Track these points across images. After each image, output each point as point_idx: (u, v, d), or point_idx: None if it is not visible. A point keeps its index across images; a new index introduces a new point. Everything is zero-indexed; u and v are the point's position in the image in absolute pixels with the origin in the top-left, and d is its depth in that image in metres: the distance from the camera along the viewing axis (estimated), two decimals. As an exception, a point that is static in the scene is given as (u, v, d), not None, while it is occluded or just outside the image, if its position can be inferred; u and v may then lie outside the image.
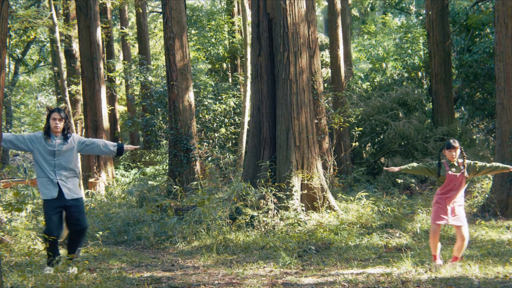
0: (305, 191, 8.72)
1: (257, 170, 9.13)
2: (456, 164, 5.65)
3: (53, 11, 13.92)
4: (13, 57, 26.07)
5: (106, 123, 15.29)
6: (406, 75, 18.26)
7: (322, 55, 18.72)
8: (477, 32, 16.76)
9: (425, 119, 15.39)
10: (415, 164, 6.00)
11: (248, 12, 14.48)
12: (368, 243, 7.28)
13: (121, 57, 25.93)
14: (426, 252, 6.52)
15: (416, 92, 15.49)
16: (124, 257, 6.76)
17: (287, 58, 8.91)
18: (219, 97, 16.19)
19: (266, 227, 8.03)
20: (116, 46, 28.88)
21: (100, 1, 17.78)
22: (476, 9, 17.28)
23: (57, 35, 14.19)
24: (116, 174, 16.65)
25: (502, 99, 9.04)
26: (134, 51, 26.92)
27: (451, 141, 5.65)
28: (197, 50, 20.36)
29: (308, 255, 6.76)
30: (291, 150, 8.76)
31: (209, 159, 14.30)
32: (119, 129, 21.73)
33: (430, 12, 15.09)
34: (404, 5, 25.32)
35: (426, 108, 16.41)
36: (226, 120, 16.06)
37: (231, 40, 19.49)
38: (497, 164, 5.82)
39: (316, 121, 10.33)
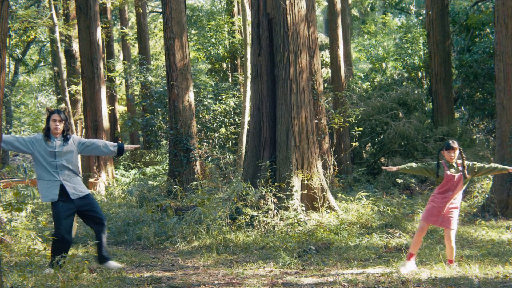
0: (305, 191, 8.72)
1: (257, 170, 9.13)
2: (454, 165, 5.65)
3: (53, 11, 13.94)
4: (13, 57, 26.07)
5: (106, 123, 15.30)
6: (406, 75, 18.26)
7: (322, 55, 18.73)
8: (477, 32, 16.76)
9: (425, 119, 15.38)
10: (413, 164, 5.99)
11: (248, 12, 14.48)
12: (368, 243, 7.28)
13: (121, 57, 25.94)
14: (426, 252, 6.53)
15: (416, 92, 15.49)
16: (124, 257, 6.76)
17: (287, 58, 8.91)
18: (219, 97, 16.19)
19: (266, 227, 8.03)
20: (116, 46, 28.90)
21: (100, 1, 17.79)
22: (476, 9, 17.28)
23: (57, 35, 14.21)
24: (116, 174, 16.66)
25: (502, 99, 9.04)
26: (134, 51, 26.93)
27: (450, 142, 5.64)
28: (197, 50, 20.36)
29: (308, 255, 6.76)
30: (291, 150, 8.76)
31: (209, 159, 14.31)
32: (119, 129, 21.74)
33: (430, 12, 15.10)
34: (404, 5, 25.31)
35: (426, 108, 16.41)
36: (226, 120, 16.06)
37: (231, 40, 19.49)
38: (496, 165, 5.81)
39: (316, 121, 10.33)
